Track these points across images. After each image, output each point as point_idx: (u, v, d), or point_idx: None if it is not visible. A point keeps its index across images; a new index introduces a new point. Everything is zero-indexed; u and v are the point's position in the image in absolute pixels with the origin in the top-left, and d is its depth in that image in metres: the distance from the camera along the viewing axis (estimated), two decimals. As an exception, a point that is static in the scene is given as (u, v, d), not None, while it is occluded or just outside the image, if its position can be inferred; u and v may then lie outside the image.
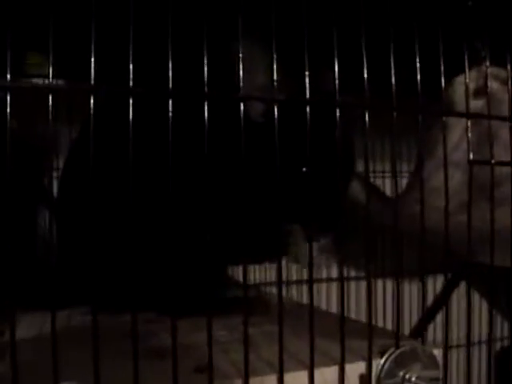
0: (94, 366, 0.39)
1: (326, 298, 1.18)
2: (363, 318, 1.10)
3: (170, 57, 0.39)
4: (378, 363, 0.48)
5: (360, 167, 0.94)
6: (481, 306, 1.25)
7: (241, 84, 0.42)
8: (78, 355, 0.43)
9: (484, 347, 1.36)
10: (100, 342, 0.39)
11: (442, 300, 1.33)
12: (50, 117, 0.38)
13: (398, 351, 0.48)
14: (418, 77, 0.48)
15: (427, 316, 1.31)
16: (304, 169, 0.61)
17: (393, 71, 0.46)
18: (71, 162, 0.73)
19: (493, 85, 0.78)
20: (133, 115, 0.39)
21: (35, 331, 0.58)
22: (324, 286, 1.18)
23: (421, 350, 0.49)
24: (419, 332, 1.33)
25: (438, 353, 0.50)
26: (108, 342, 0.47)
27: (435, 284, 1.24)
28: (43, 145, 0.90)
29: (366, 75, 0.45)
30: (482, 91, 0.82)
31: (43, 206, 0.87)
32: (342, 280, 0.47)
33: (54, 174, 0.87)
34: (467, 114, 0.52)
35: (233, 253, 0.58)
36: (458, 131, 0.85)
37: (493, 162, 0.52)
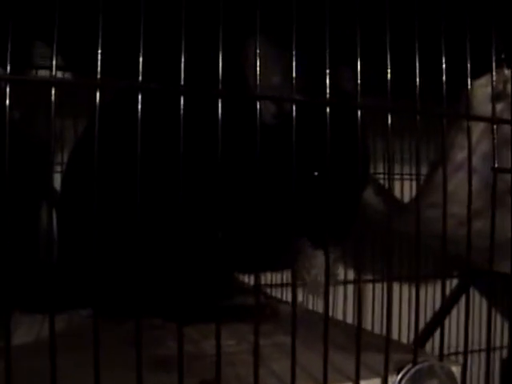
0: (95, 376, 0.36)
1: (333, 302, 1.16)
2: (368, 323, 1.09)
3: (183, 52, 0.37)
4: (394, 380, 0.45)
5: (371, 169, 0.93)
6: (481, 312, 1.25)
7: (256, 83, 0.40)
8: (78, 362, 0.41)
9: (492, 355, 1.35)
10: (102, 349, 0.37)
11: (450, 306, 1.32)
12: (53, 111, 0.35)
13: (415, 368, 0.45)
14: (444, 78, 0.46)
15: (434, 322, 1.30)
16: (316, 173, 0.58)
17: (417, 73, 0.44)
18: (75, 158, 0.71)
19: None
20: (142, 111, 0.37)
21: (33, 335, 0.56)
22: (330, 289, 1.16)
23: (438, 367, 0.46)
24: (426, 338, 1.31)
25: (456, 370, 0.48)
26: (110, 349, 0.45)
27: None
28: (46, 138, 0.88)
29: (389, 76, 0.42)
30: (500, 95, 0.79)
31: (46, 203, 0.85)
32: (359, 291, 0.45)
33: (59, 169, 0.85)
34: (492, 119, 0.49)
35: (241, 260, 0.55)
36: (474, 136, 0.83)
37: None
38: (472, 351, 1.28)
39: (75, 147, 0.73)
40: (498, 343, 1.38)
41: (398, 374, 0.45)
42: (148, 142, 0.40)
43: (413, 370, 0.45)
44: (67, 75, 0.95)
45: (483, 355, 1.31)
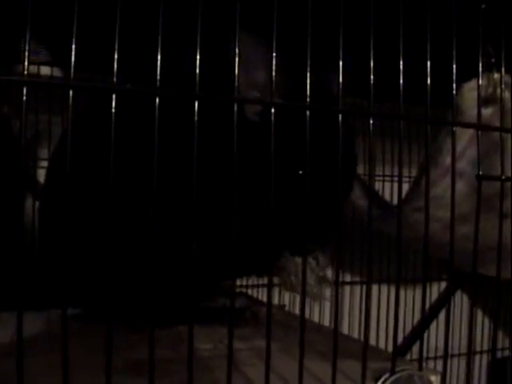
0: (63, 378, 0.36)
1: (320, 307, 1.15)
2: (356, 327, 1.08)
3: (159, 52, 0.36)
4: (372, 389, 0.45)
5: (359, 170, 0.92)
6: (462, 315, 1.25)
7: (236, 82, 0.39)
8: (51, 363, 0.40)
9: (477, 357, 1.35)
10: (78, 351, 0.36)
11: (438, 309, 1.31)
12: (24, 109, 0.35)
13: (393, 377, 0.45)
14: (428, 81, 0.45)
15: (421, 325, 1.29)
16: (300, 172, 0.57)
17: (401, 77, 0.43)
18: (57, 155, 0.70)
19: (503, 93, 0.75)
20: (120, 113, 0.36)
21: (10, 335, 0.55)
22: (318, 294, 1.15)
23: (417, 377, 0.46)
24: (413, 341, 1.31)
25: (435, 379, 0.47)
26: (84, 352, 0.44)
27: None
28: (33, 133, 0.87)
29: (372, 81, 0.41)
30: (491, 99, 0.79)
31: (29, 198, 0.84)
32: (336, 300, 0.44)
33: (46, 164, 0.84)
34: (478, 126, 0.48)
35: (222, 265, 0.54)
36: (463, 140, 0.82)
37: (503, 177, 0.49)
38: (460, 354, 1.28)
39: (57, 144, 0.72)
40: (486, 346, 1.38)
41: (376, 382, 0.45)
42: (124, 144, 0.39)
43: (391, 379, 0.45)
44: (55, 71, 0.94)
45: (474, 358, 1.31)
